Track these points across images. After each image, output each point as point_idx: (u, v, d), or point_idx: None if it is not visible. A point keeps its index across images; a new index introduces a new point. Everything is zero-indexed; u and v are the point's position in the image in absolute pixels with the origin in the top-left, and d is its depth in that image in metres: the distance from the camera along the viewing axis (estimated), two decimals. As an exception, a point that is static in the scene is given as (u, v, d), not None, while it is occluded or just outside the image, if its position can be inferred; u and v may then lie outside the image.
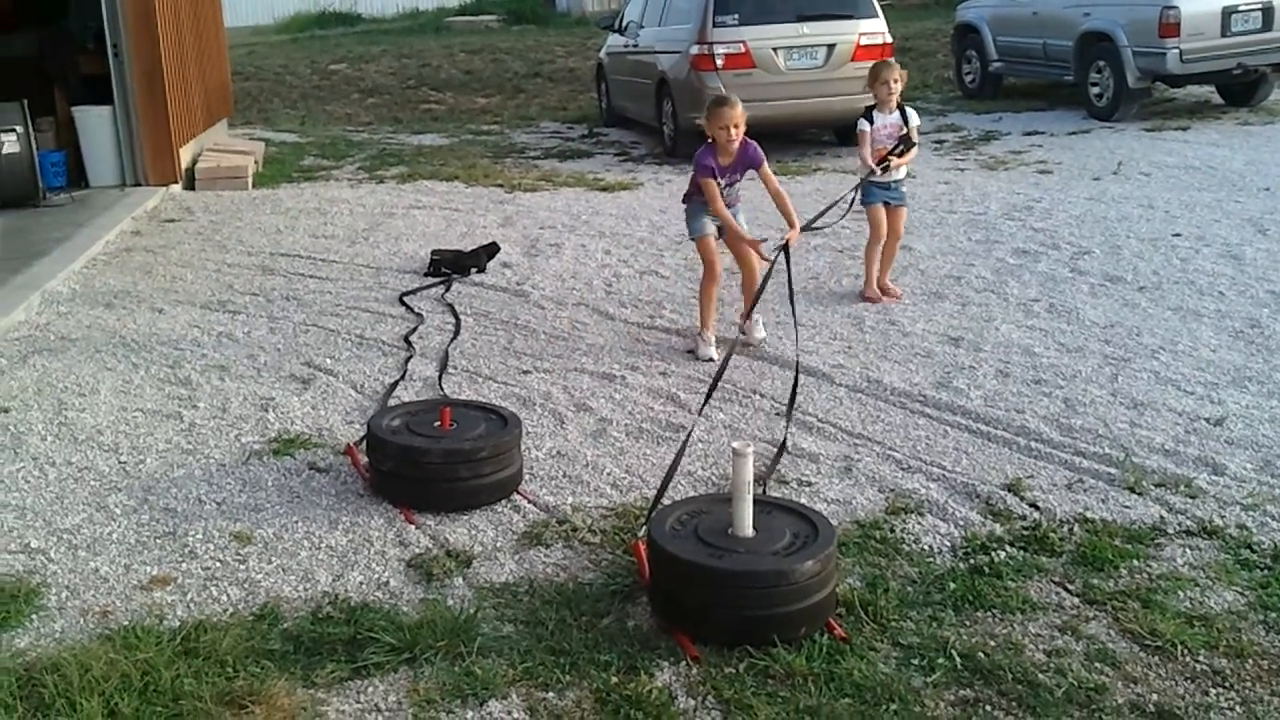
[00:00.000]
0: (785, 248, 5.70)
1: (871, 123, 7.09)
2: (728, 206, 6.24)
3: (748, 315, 6.27)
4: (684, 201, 6.54)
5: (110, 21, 10.54)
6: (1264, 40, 13.20)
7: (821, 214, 6.36)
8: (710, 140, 6.18)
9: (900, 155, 7.01)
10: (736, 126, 6.05)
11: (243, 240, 9.25)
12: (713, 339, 6.33)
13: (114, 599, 3.93)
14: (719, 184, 6.16)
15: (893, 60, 7.27)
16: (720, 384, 5.80)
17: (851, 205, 6.96)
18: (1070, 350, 6.15)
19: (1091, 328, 6.50)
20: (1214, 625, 3.63)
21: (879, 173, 6.96)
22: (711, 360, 6.14)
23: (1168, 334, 6.34)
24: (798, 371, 5.44)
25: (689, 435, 4.80)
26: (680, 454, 4.35)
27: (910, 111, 7.15)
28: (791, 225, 6.09)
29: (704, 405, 4.94)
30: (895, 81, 7.00)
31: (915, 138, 7.10)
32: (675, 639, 3.59)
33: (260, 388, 5.93)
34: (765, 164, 6.23)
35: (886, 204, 7.16)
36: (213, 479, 4.87)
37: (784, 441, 4.95)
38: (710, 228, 6.34)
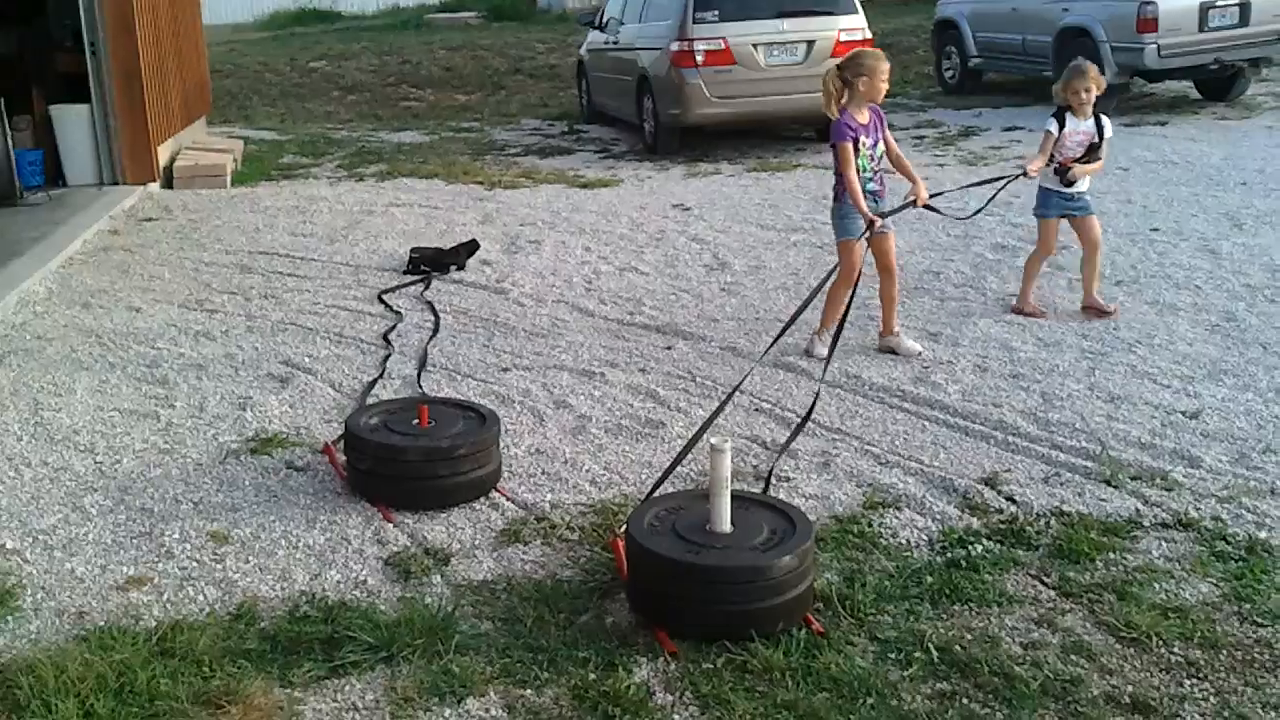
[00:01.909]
0: (911, 203, 5.89)
1: (1062, 126, 6.49)
2: (876, 181, 5.99)
3: (890, 328, 6.13)
4: (835, 201, 6.09)
5: (88, 20, 10.49)
6: (1241, 35, 13.26)
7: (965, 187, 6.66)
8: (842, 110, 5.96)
9: (1086, 164, 6.50)
10: (830, 84, 5.93)
11: (221, 239, 9.21)
12: (827, 338, 5.93)
13: (90, 599, 3.92)
14: (861, 145, 5.89)
15: (1085, 63, 6.56)
16: (698, 380, 5.82)
17: (996, 192, 7.03)
18: (1048, 345, 6.17)
19: (1068, 322, 6.53)
20: (1189, 617, 3.64)
21: (1059, 181, 6.54)
22: (822, 359, 5.85)
23: (1144, 328, 6.36)
24: (826, 365, 5.45)
25: (708, 422, 4.79)
26: (684, 452, 4.38)
27: (1106, 121, 6.56)
28: (915, 183, 6.03)
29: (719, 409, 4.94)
30: (1088, 90, 6.41)
31: (1105, 152, 6.57)
32: (653, 635, 3.59)
33: (238, 387, 5.91)
34: (887, 129, 6.11)
35: (1069, 216, 6.65)
36: (190, 479, 4.85)
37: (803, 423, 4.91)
38: (860, 230, 5.92)
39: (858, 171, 5.90)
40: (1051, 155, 6.53)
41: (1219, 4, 13.14)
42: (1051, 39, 14.09)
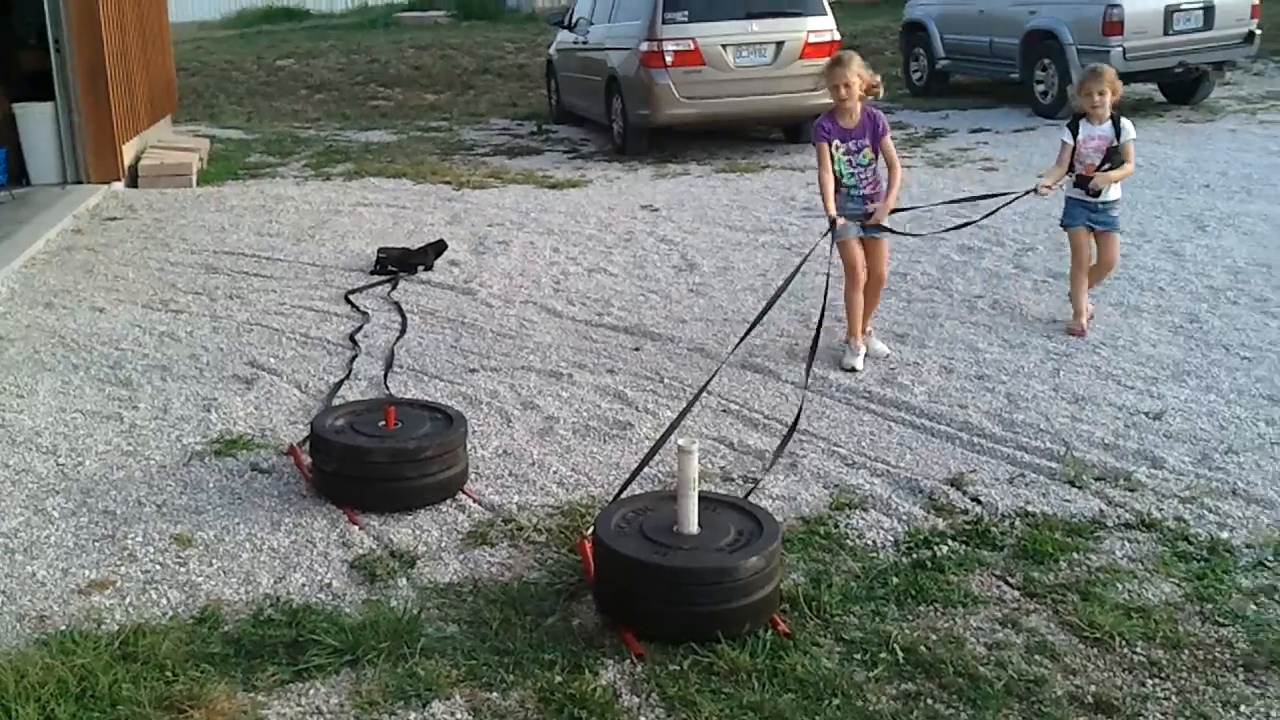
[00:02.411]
0: (859, 228, 5.81)
1: (1076, 134, 6.34)
2: (862, 188, 5.97)
3: (865, 328, 6.11)
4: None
5: (52, 16, 10.38)
6: (1205, 39, 13.39)
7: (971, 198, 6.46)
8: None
9: (1108, 170, 6.26)
10: (848, 85, 5.81)
11: (186, 238, 9.15)
12: (861, 348, 6.01)
13: (51, 603, 3.88)
14: (834, 149, 5.90)
15: (1101, 66, 6.41)
16: (666, 380, 5.82)
17: (999, 207, 6.93)
18: (1013, 346, 6.21)
19: (1034, 323, 6.57)
20: (1151, 617, 3.67)
21: (1084, 190, 6.35)
22: (854, 370, 5.89)
23: (1109, 329, 6.41)
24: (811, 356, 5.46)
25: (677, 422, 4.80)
26: (651, 453, 4.39)
27: (1125, 123, 6.30)
28: (886, 197, 5.96)
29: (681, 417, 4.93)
30: (1103, 94, 6.21)
31: (1129, 154, 6.29)
32: (620, 637, 3.59)
33: (202, 388, 5.87)
34: (889, 134, 6.01)
35: (1092, 228, 6.42)
36: (153, 481, 4.81)
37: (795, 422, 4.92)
38: (853, 230, 5.93)
39: (835, 175, 5.91)
40: (1072, 165, 6.38)
41: (1184, 7, 13.26)
42: (1018, 41, 14.18)
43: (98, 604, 3.87)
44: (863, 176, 5.97)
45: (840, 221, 5.86)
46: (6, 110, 10.85)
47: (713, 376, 5.33)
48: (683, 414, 4.63)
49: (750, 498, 4.34)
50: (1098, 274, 6.58)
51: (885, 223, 6.02)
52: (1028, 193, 6.64)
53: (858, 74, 5.85)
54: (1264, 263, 7.55)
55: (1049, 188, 6.44)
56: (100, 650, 3.52)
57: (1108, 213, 6.40)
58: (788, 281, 5.62)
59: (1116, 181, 6.33)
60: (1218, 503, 4.42)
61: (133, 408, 5.61)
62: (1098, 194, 6.32)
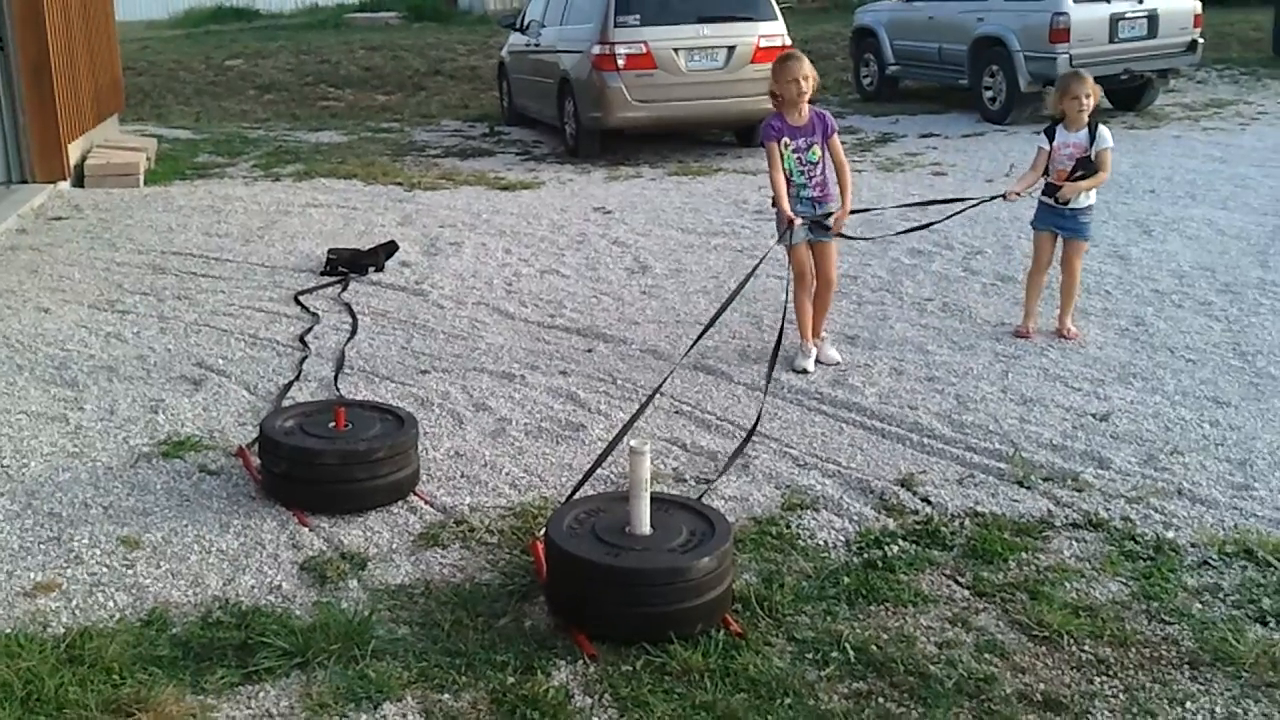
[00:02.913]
0: (823, 230, 5.85)
1: (1052, 139, 6.31)
2: (811, 187, 5.96)
3: (817, 332, 6.13)
4: (773, 205, 6.05)
5: (-6, 14, 10.24)
6: (1150, 46, 13.61)
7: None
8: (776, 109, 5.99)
9: (1078, 180, 6.23)
10: (806, 79, 5.83)
11: (133, 239, 9.04)
12: (812, 350, 6.03)
13: (-5, 606, 3.83)
14: (784, 147, 5.90)
15: (1083, 71, 6.36)
16: (619, 382, 5.82)
17: (978, 205, 7.01)
18: (962, 348, 6.26)
19: (983, 326, 6.63)
20: (1099, 615, 3.72)
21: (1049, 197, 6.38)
22: (805, 372, 5.92)
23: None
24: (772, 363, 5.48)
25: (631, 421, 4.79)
26: (604, 454, 4.39)
27: (1103, 130, 6.24)
28: (843, 203, 5.98)
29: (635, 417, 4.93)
30: (1088, 96, 6.17)
31: (1105, 163, 6.25)
32: (572, 638, 3.59)
33: (150, 389, 5.80)
34: (836, 134, 6.04)
35: (1058, 232, 6.41)
36: (99, 483, 4.75)
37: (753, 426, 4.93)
38: (800, 234, 5.93)
39: (785, 174, 5.93)
40: (1046, 169, 6.37)
41: (1128, 15, 13.46)
42: (967, 48, 14.34)
43: (44, 606, 3.81)
44: (812, 175, 5.97)
45: (797, 221, 5.87)
46: (-51, 108, 10.69)
47: (665, 380, 5.33)
48: (635, 416, 4.64)
49: (703, 499, 4.34)
50: (1067, 284, 6.46)
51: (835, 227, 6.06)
52: (995, 198, 6.65)
53: (809, 72, 5.88)
54: (1208, 266, 7.67)
55: (1018, 194, 6.42)
56: (46, 653, 3.47)
57: (1077, 219, 6.38)
58: (741, 285, 5.62)
59: (1086, 190, 6.30)
60: (1163, 503, 4.48)
61: (79, 409, 5.54)
62: (1066, 202, 6.32)
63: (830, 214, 5.98)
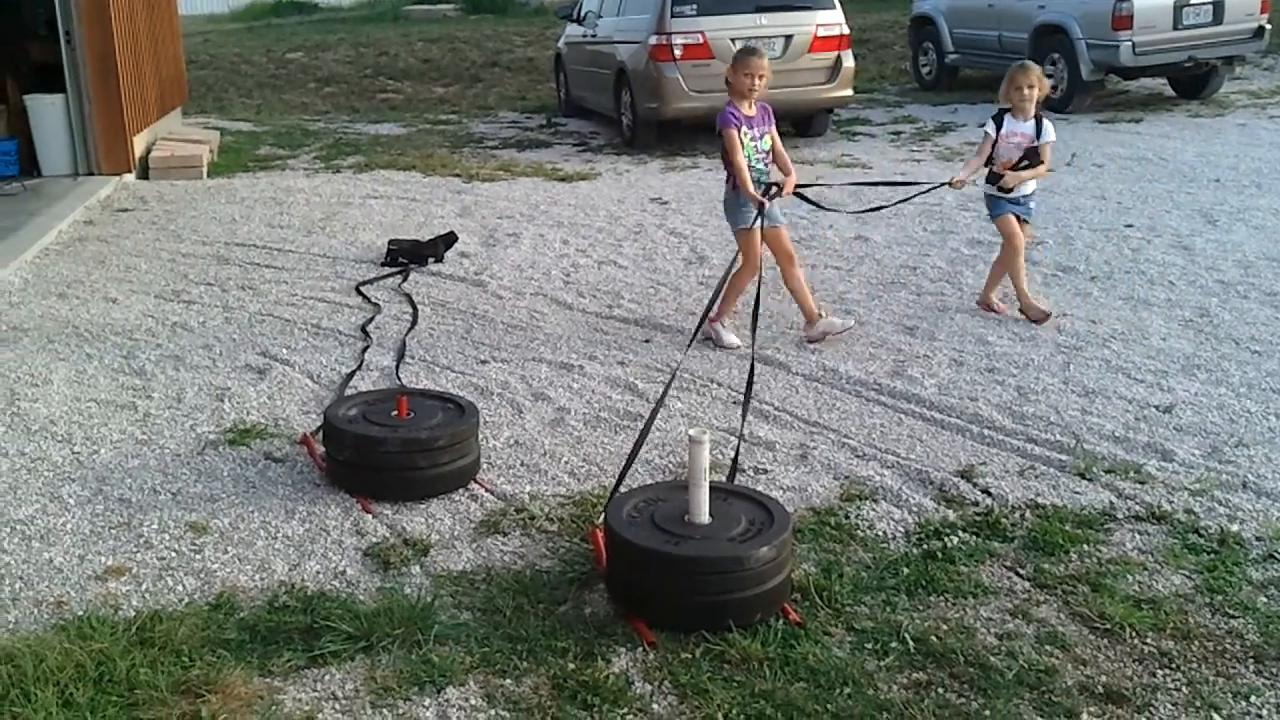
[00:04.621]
0: (777, 191, 5.99)
1: (1000, 128, 6.46)
2: (767, 174, 6.14)
3: (811, 315, 6.24)
4: (730, 189, 6.22)
5: (62, 9, 10.43)
6: (1214, 33, 13.38)
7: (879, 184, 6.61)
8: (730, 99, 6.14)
9: (1022, 170, 6.42)
10: (761, 76, 6.00)
11: (197, 230, 9.18)
12: (730, 326, 6.30)
13: (68, 589, 3.91)
14: (743, 135, 6.03)
15: (1030, 63, 6.56)
16: (678, 373, 5.83)
17: (910, 197, 7.26)
18: (1023, 339, 6.22)
19: (1044, 317, 6.58)
20: (1161, 608, 3.69)
21: (991, 185, 6.54)
22: (736, 347, 6.14)
23: (1119, 323, 6.42)
24: (753, 361, 5.47)
25: (649, 421, 4.80)
26: (640, 441, 4.36)
27: (1047, 124, 6.48)
28: (787, 174, 6.16)
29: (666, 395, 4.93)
30: (1031, 87, 6.37)
31: (1046, 155, 6.47)
32: (632, 625, 3.61)
33: (215, 378, 5.90)
34: (774, 125, 6.23)
35: (1016, 216, 6.55)
36: (168, 469, 4.84)
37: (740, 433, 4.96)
38: (752, 217, 6.07)
39: (745, 160, 6.04)
40: (990, 159, 6.50)
41: (1193, 2, 13.25)
42: (1028, 35, 14.18)
43: (114, 590, 3.90)
44: (766, 161, 6.17)
45: (768, 204, 6.02)
46: (18, 102, 10.90)
47: (672, 379, 5.32)
48: (652, 415, 4.56)
49: (746, 483, 4.35)
50: (998, 261, 6.72)
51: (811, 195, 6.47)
52: (942, 185, 6.75)
53: (766, 69, 6.04)
54: (1274, 257, 7.56)
55: (963, 181, 6.54)
56: (117, 635, 3.55)
57: (1027, 205, 6.57)
58: (727, 272, 5.58)
59: (1026, 180, 6.46)
60: (1228, 495, 4.43)
61: (147, 397, 5.64)
62: (1009, 191, 6.45)
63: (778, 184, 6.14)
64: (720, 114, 6.08)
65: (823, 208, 7.01)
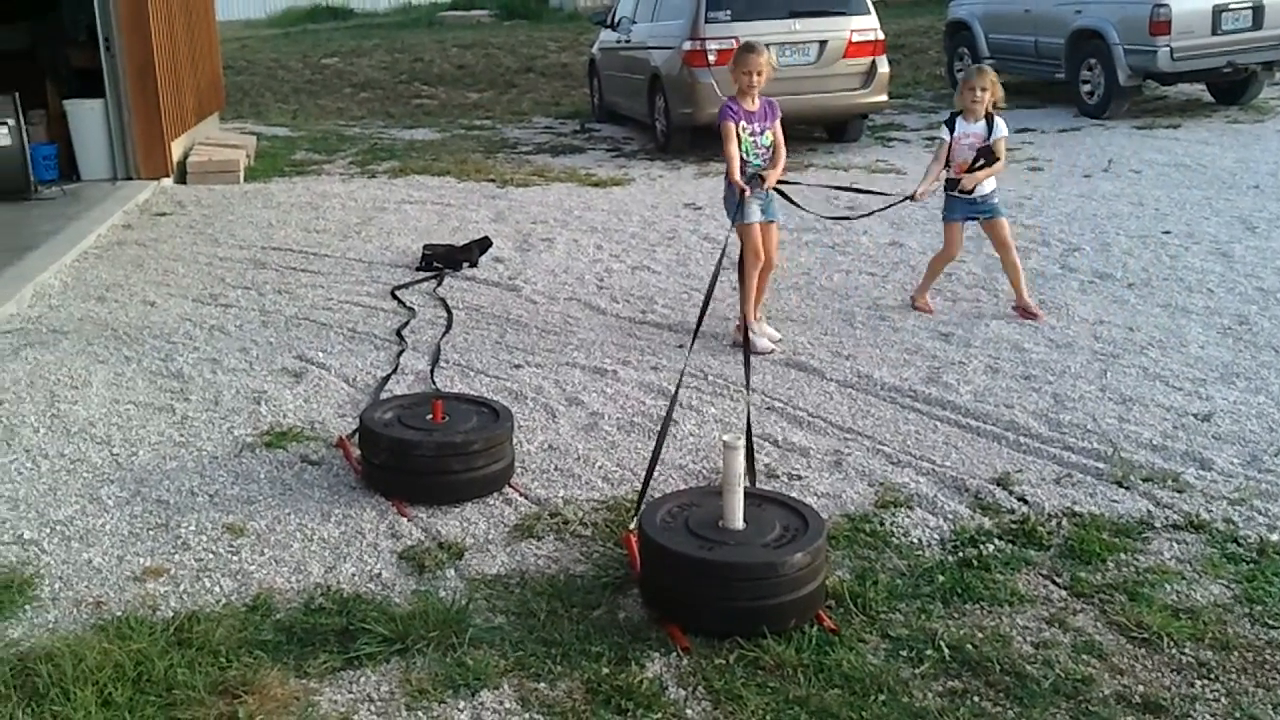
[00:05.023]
0: (760, 181, 6.13)
1: (953, 131, 6.61)
2: (757, 174, 6.20)
3: (749, 317, 6.22)
4: (726, 184, 6.36)
5: (102, 15, 10.54)
6: (1254, 39, 13.25)
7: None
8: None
9: (977, 170, 6.52)
10: (760, 74, 6.13)
11: (234, 234, 9.25)
12: (766, 328, 6.39)
13: (107, 590, 3.95)
14: (740, 129, 6.17)
15: (985, 66, 6.65)
16: (710, 378, 5.84)
17: (890, 206, 7.33)
18: (1059, 346, 6.18)
19: (1081, 324, 6.54)
20: (1200, 618, 3.66)
21: (953, 187, 6.64)
22: (771, 351, 6.18)
23: (1156, 330, 6.37)
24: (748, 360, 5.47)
25: (664, 426, 4.80)
26: (659, 443, 4.35)
27: (999, 121, 6.60)
28: (773, 168, 6.28)
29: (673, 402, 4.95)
30: (984, 90, 6.52)
31: (1000, 151, 6.56)
32: (666, 630, 3.61)
33: (252, 381, 5.94)
34: (779, 119, 6.35)
35: (976, 218, 6.71)
36: (205, 471, 4.88)
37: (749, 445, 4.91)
38: (755, 214, 6.24)
39: (741, 155, 6.16)
40: (948, 162, 6.62)
41: (1232, 7, 13.13)
42: (1064, 41, 14.09)
43: (153, 591, 3.93)
44: (765, 157, 6.28)
45: (749, 191, 6.14)
46: (58, 107, 11.02)
47: (680, 379, 5.31)
48: (667, 418, 4.56)
49: (792, 494, 4.34)
50: (1007, 259, 6.73)
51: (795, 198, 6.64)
52: (907, 198, 6.81)
53: (768, 62, 6.17)
54: (1314, 265, 7.48)
55: (926, 193, 6.65)
56: (156, 636, 3.58)
57: (988, 202, 6.65)
58: (714, 278, 5.53)
59: (983, 180, 6.56)
60: (1268, 505, 4.38)
61: (184, 399, 5.69)
62: (968, 192, 6.56)
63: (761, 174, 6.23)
64: (720, 107, 6.27)
65: (798, 205, 7.11)
